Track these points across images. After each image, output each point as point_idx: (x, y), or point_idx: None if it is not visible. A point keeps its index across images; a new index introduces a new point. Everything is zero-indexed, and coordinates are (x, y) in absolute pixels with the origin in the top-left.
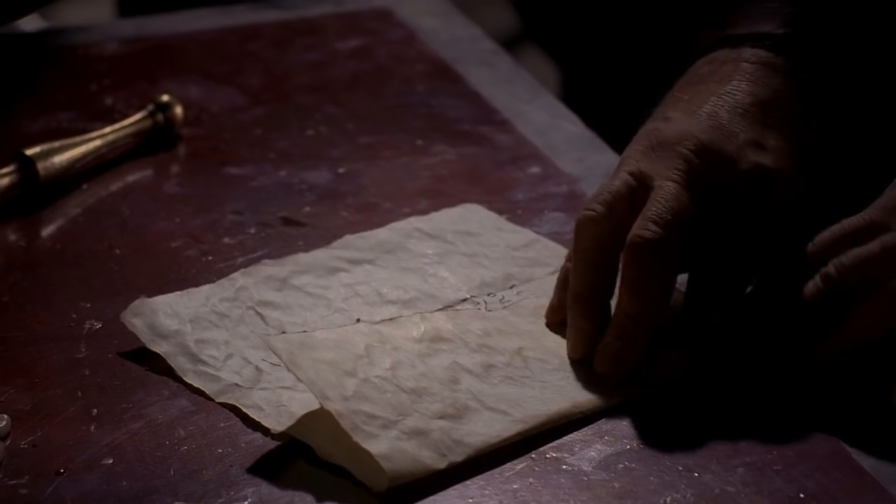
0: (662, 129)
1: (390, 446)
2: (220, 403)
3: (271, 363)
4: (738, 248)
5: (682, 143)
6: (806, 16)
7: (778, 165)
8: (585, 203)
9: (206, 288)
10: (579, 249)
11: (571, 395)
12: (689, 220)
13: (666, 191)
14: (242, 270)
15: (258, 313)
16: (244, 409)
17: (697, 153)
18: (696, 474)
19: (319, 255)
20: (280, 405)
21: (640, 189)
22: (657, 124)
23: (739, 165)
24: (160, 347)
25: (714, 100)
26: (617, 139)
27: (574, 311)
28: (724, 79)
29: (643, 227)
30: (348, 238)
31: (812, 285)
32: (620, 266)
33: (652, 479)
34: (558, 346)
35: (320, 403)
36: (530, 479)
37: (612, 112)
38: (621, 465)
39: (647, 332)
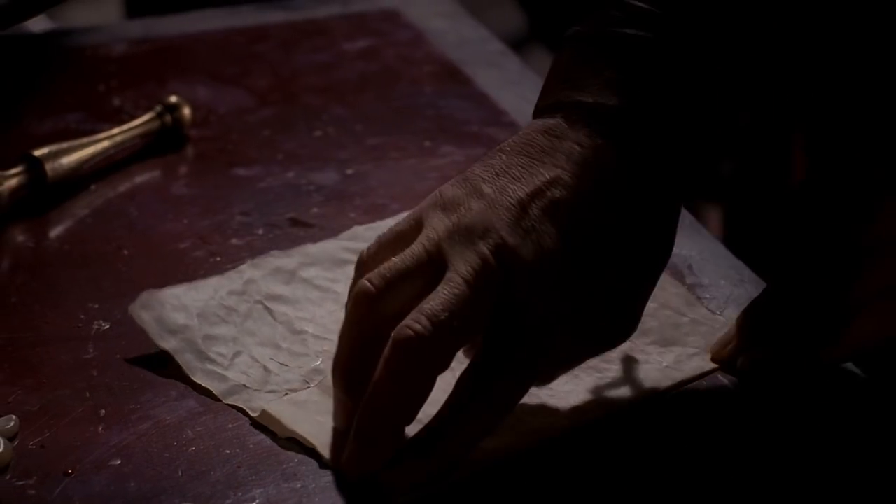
0: (470, 214)
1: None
2: (228, 405)
3: (279, 363)
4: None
5: (486, 239)
6: (652, 90)
7: (525, 253)
8: (370, 274)
9: (213, 280)
10: (349, 320)
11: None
12: (469, 325)
13: (452, 286)
14: (250, 262)
15: (266, 308)
16: (251, 413)
17: (497, 254)
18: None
19: (328, 247)
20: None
21: (429, 270)
22: (466, 192)
23: (483, 248)
24: (168, 343)
25: (532, 193)
26: None
27: (335, 380)
28: (553, 165)
29: (416, 319)
30: (357, 229)
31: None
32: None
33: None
34: None
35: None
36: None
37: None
38: (627, 476)
39: (392, 434)
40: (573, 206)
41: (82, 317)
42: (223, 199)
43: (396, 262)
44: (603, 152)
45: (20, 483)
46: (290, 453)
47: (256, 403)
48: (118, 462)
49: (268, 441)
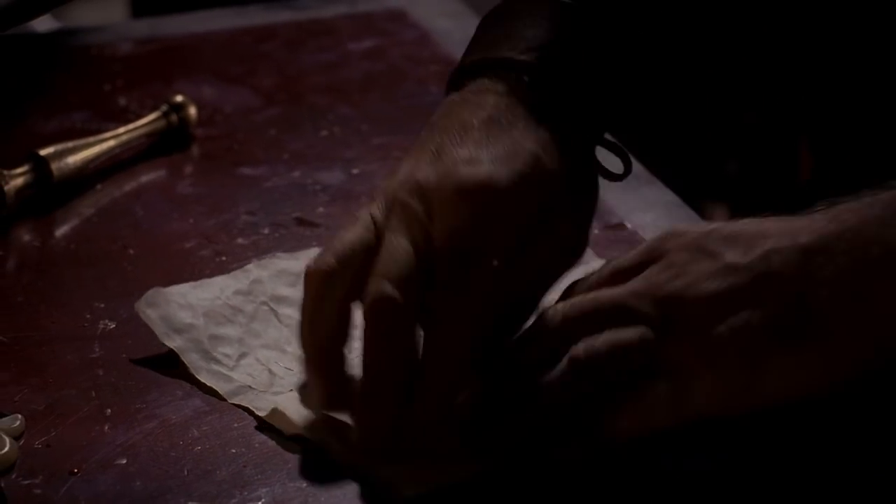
0: (392, 181)
1: (406, 465)
2: (234, 404)
3: (285, 367)
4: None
5: (403, 189)
6: (556, 45)
7: (494, 176)
8: (318, 256)
9: (220, 279)
10: (309, 303)
11: None
12: (417, 267)
13: (389, 244)
14: (256, 262)
15: (272, 309)
16: (258, 413)
17: (413, 193)
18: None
19: None
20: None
21: (376, 245)
22: (389, 179)
23: (453, 181)
24: (173, 342)
25: (440, 136)
26: (631, 138)
27: (310, 365)
28: (451, 114)
29: (374, 283)
30: None
31: (557, 373)
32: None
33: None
34: None
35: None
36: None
37: (626, 111)
38: (641, 473)
39: (393, 395)
40: (479, 124)
41: (88, 316)
42: (229, 198)
43: (341, 241)
44: (498, 89)
45: (26, 482)
46: (296, 453)
47: (262, 403)
48: (124, 461)
49: (273, 440)
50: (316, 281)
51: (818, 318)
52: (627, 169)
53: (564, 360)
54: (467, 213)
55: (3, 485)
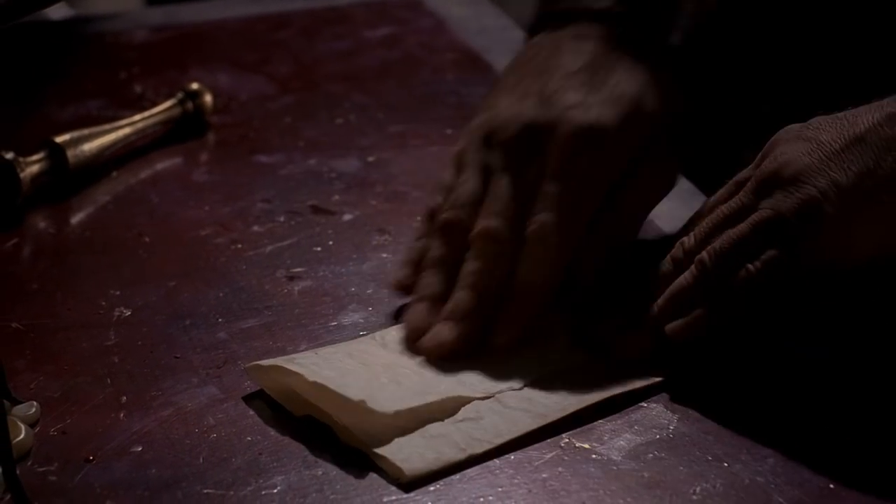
0: (490, 120)
1: (409, 448)
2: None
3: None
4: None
5: (509, 129)
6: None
7: (601, 120)
8: (447, 206)
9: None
10: (443, 244)
11: (588, 388)
12: (520, 202)
13: (497, 185)
14: (376, 336)
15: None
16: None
17: (521, 133)
18: (725, 464)
19: None
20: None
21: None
22: (486, 116)
23: (562, 129)
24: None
25: (542, 77)
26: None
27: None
28: (551, 56)
29: (483, 219)
30: None
31: (688, 274)
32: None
33: (681, 468)
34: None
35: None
36: (559, 469)
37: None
38: (650, 455)
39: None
40: (581, 68)
41: (103, 303)
42: (244, 186)
43: (464, 191)
44: (594, 33)
45: (41, 469)
46: (312, 441)
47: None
48: (139, 449)
49: (289, 428)
50: (447, 230)
51: None
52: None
53: (692, 266)
54: (580, 152)
55: (18, 472)
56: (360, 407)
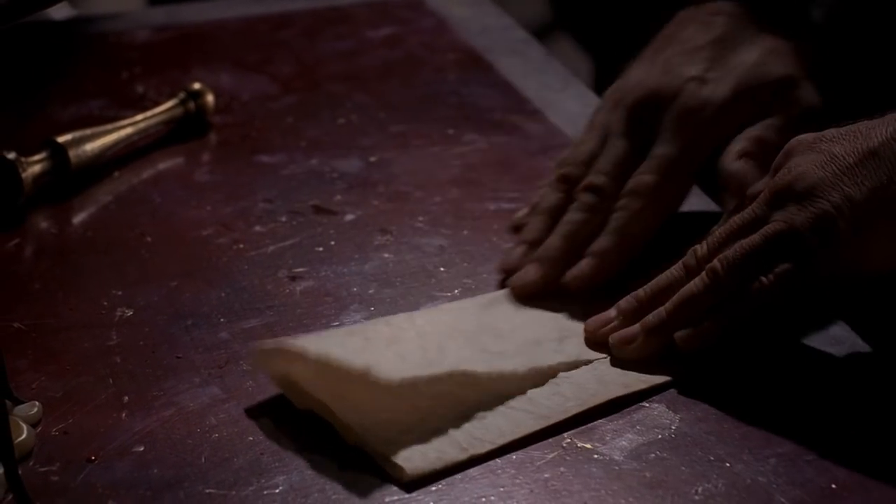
0: (621, 86)
1: (410, 448)
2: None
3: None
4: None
5: (632, 94)
6: None
7: (715, 94)
8: (566, 162)
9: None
10: (555, 195)
11: (590, 389)
12: (630, 163)
13: (611, 145)
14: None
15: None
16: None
17: (642, 99)
18: (727, 464)
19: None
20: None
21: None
22: (619, 83)
23: (681, 99)
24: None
25: (670, 49)
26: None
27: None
28: (683, 30)
29: (591, 175)
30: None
31: (698, 281)
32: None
33: (683, 468)
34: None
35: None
36: (561, 469)
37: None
38: (652, 455)
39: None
40: (708, 43)
41: (105, 303)
42: (246, 186)
43: (582, 150)
44: (729, 10)
45: (43, 469)
46: (314, 440)
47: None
48: (141, 448)
49: (291, 428)
50: (562, 183)
51: None
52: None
53: (703, 273)
54: (689, 123)
55: (20, 472)
56: (363, 380)
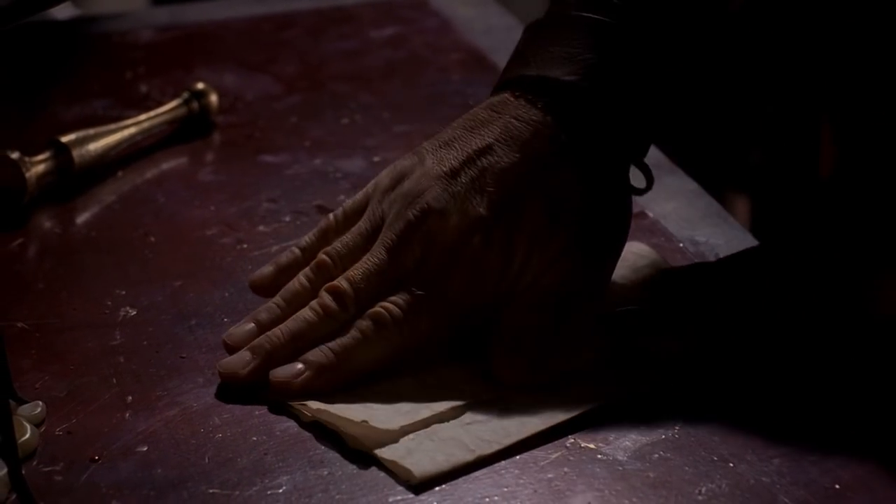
0: (410, 179)
1: (418, 450)
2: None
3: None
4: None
5: (414, 205)
6: (603, 66)
7: (488, 249)
8: (330, 249)
9: None
10: (303, 275)
11: (592, 391)
12: (383, 285)
13: (373, 256)
14: None
15: None
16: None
17: (422, 217)
18: (731, 465)
19: None
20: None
21: (373, 237)
22: (413, 162)
23: (457, 248)
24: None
25: (466, 160)
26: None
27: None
28: (489, 136)
29: (343, 279)
30: None
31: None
32: None
33: (687, 469)
34: None
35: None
36: (565, 469)
37: (666, 125)
38: (656, 455)
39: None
40: (500, 173)
41: (109, 303)
42: (250, 185)
43: (348, 239)
44: (538, 124)
45: (47, 469)
46: (318, 440)
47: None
48: (145, 448)
49: (295, 428)
50: (320, 270)
51: None
52: (649, 184)
53: None
54: (412, 242)
55: (24, 472)
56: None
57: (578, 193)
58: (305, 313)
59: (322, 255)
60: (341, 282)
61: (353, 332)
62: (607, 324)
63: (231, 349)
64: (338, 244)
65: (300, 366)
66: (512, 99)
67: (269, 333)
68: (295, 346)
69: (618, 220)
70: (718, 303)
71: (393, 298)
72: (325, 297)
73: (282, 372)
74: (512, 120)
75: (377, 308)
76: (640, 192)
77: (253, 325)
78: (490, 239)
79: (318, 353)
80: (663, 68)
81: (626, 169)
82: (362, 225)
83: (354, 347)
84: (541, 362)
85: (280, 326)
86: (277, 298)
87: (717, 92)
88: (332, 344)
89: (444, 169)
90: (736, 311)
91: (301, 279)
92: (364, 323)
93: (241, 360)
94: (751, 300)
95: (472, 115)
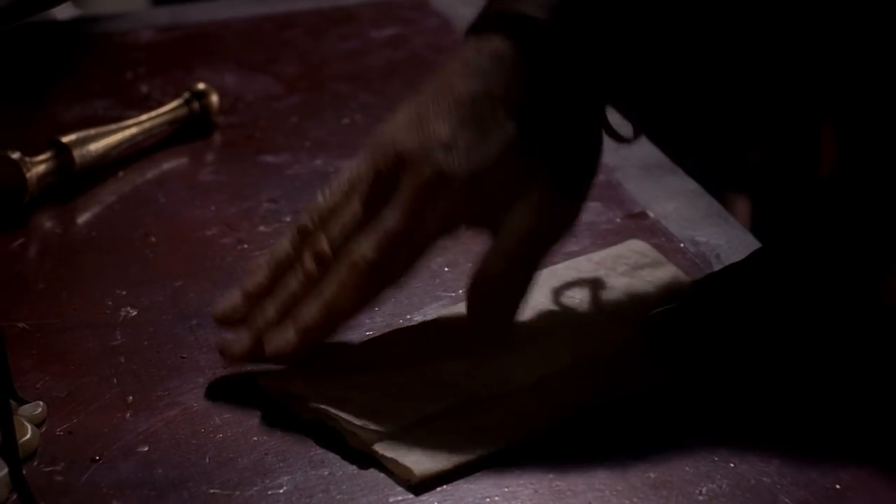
0: (377, 139)
1: (419, 450)
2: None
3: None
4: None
5: (382, 152)
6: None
7: (456, 167)
8: (322, 238)
9: None
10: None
11: (593, 390)
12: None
13: (349, 209)
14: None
15: None
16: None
17: (389, 163)
18: (732, 465)
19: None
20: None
21: (352, 190)
22: (375, 135)
23: (421, 168)
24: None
25: (431, 98)
26: (653, 130)
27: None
28: (453, 73)
29: (321, 240)
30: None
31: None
32: None
33: (688, 469)
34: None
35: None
36: (565, 469)
37: (647, 102)
38: (657, 455)
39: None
40: (468, 100)
41: (110, 303)
42: (251, 186)
43: (328, 200)
44: (506, 54)
45: (47, 469)
46: (318, 440)
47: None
48: (146, 448)
49: (295, 428)
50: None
51: None
52: (636, 135)
53: None
54: (418, 199)
55: (24, 472)
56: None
57: (541, 122)
58: (290, 283)
59: (298, 223)
60: (322, 244)
61: (331, 285)
62: (643, 324)
63: (221, 322)
64: (312, 207)
65: (291, 333)
66: (476, 38)
67: (262, 312)
68: (285, 317)
69: (585, 159)
70: (753, 300)
71: (359, 241)
72: (307, 262)
73: (276, 344)
74: (476, 55)
75: (346, 254)
76: (626, 141)
77: (240, 293)
78: (454, 156)
79: (304, 314)
80: (627, 6)
81: (596, 110)
82: (341, 186)
83: (334, 297)
84: (510, 316)
85: (268, 302)
86: (264, 267)
87: (716, 92)
88: (318, 303)
89: (412, 115)
90: (762, 310)
91: (284, 242)
92: (339, 272)
93: (242, 342)
94: (753, 300)
95: (461, 60)
